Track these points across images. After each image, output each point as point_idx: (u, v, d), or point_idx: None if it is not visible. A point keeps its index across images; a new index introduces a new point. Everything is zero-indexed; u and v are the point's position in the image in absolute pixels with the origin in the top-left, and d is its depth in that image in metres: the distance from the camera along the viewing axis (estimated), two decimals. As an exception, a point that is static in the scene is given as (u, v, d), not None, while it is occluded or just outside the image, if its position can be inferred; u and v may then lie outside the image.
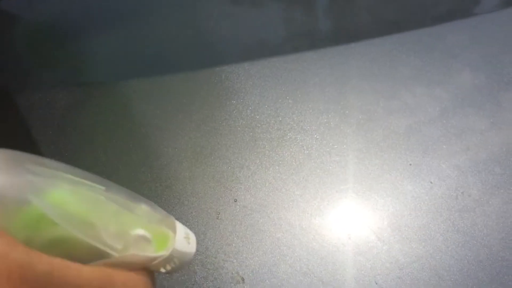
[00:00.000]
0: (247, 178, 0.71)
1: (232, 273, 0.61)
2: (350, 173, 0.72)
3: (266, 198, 0.69)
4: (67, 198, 0.28)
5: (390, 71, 0.82)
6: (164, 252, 0.30)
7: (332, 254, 0.63)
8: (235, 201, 0.68)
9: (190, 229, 0.34)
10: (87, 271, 0.26)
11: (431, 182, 0.68)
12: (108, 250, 0.28)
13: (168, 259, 0.31)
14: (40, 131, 0.75)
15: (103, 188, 0.30)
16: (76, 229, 0.27)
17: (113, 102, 0.79)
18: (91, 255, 0.28)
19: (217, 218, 0.66)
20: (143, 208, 0.31)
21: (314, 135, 0.76)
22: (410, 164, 0.70)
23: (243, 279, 0.61)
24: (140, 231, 0.29)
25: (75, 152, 0.73)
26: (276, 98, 0.79)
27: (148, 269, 0.31)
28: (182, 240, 0.32)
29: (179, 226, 0.32)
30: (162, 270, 0.31)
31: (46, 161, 0.29)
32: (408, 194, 0.67)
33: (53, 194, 0.27)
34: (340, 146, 0.74)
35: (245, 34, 0.87)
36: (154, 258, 0.30)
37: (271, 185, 0.70)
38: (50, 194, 0.27)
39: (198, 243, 0.58)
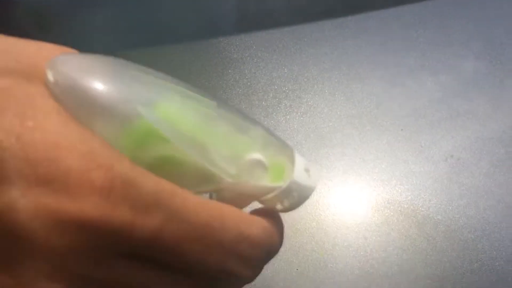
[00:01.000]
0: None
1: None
2: (344, 140, 0.70)
3: None
4: (179, 112, 0.24)
5: (388, 44, 0.81)
6: (281, 183, 0.26)
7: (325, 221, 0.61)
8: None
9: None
10: (194, 201, 0.22)
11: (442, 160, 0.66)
12: (221, 174, 0.24)
13: (286, 192, 0.26)
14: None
15: (215, 103, 0.26)
16: (188, 148, 0.23)
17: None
18: (201, 179, 0.24)
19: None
20: (259, 131, 0.26)
21: (309, 102, 0.74)
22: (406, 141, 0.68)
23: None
24: (256, 155, 0.25)
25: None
26: (272, 68, 0.79)
27: (265, 209, 0.27)
28: (302, 171, 0.27)
29: (299, 156, 0.28)
30: (279, 206, 0.27)
31: (152, 70, 0.26)
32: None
33: (163, 107, 0.24)
34: (334, 113, 0.73)
35: (242, 6, 0.88)
36: (271, 189, 0.26)
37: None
38: (160, 106, 0.24)
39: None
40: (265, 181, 0.25)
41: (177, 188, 0.22)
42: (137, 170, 0.21)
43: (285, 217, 0.29)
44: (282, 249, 0.28)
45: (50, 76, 0.22)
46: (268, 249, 0.26)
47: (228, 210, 0.24)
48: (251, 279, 0.25)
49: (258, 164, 0.25)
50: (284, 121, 0.73)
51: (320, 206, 0.64)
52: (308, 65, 0.79)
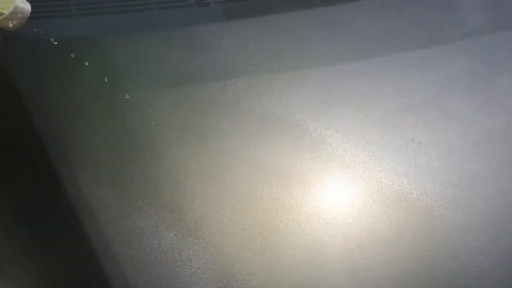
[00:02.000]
0: (216, 124, 0.70)
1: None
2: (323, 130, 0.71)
3: (235, 141, 0.68)
4: None
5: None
6: (9, 10, 0.43)
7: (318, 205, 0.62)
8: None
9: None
10: None
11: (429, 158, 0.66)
12: None
13: (13, 14, 0.44)
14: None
15: None
16: None
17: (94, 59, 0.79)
18: None
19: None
20: None
21: (276, 89, 0.76)
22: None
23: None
24: None
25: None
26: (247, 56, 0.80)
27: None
28: (21, 1, 0.46)
29: None
30: (10, 24, 0.45)
31: None
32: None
33: None
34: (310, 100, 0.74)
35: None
36: (2, 13, 0.43)
37: (241, 129, 0.69)
38: None
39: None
40: None
41: None
42: None
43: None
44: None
45: None
46: None
47: None
48: None
49: None
50: (258, 106, 0.74)
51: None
52: (290, 57, 0.80)
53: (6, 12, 0.45)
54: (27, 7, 0.45)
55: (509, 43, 0.83)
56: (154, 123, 0.72)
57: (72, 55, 0.79)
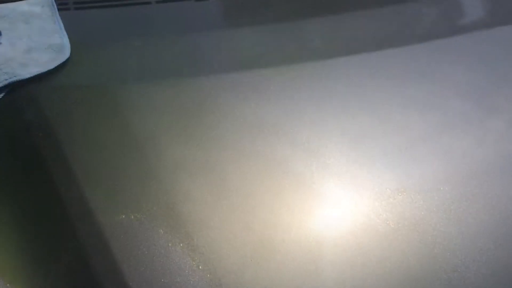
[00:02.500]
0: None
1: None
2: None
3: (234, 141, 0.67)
4: None
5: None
6: None
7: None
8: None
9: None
10: None
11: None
12: None
13: None
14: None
15: None
16: None
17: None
18: None
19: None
20: None
21: (274, 87, 0.75)
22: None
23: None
24: None
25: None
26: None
27: None
28: None
29: None
30: None
31: None
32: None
33: None
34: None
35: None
36: None
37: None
38: None
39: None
40: None
41: None
42: None
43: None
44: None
45: None
46: None
47: None
48: None
49: None
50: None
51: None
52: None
53: None
54: None
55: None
56: (149, 120, 0.72)
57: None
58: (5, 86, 0.65)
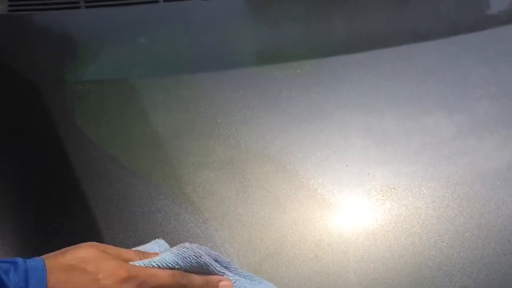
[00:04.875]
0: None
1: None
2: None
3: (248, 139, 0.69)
4: None
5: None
6: None
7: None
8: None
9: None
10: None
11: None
12: None
13: None
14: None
15: None
16: None
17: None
18: None
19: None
20: None
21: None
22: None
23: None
24: None
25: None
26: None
27: None
28: None
29: None
30: None
31: None
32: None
33: None
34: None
35: None
36: None
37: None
38: None
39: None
40: None
41: None
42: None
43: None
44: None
45: None
46: None
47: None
48: None
49: None
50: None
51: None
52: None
53: None
54: None
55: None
56: (166, 117, 0.74)
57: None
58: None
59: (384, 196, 0.63)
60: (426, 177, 0.65)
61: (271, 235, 0.60)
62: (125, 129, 0.73)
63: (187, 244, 0.48)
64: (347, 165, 0.66)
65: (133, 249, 0.50)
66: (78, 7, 0.86)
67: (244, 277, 0.50)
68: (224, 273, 0.49)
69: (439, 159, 0.69)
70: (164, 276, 0.45)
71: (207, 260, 0.48)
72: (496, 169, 0.67)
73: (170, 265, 0.46)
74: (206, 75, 0.79)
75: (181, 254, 0.47)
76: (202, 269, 0.48)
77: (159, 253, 0.49)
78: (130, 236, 0.60)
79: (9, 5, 0.86)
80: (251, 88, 0.77)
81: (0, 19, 0.85)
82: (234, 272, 0.50)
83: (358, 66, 0.81)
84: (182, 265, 0.46)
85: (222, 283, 0.48)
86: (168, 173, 0.67)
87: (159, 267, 0.46)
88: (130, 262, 0.45)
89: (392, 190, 0.64)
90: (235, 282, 0.49)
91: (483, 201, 0.63)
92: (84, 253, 0.43)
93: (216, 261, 0.49)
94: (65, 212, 0.64)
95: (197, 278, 0.47)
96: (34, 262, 0.41)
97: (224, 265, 0.50)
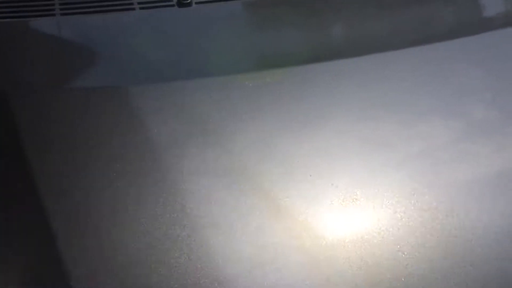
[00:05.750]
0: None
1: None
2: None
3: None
4: None
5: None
6: None
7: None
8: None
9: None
10: None
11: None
12: None
13: None
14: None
15: None
16: None
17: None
18: None
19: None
20: None
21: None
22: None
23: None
24: None
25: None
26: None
27: None
28: None
29: None
30: None
31: None
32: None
33: None
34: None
35: None
36: None
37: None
38: None
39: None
40: None
41: None
42: None
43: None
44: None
45: None
46: None
47: None
48: None
49: None
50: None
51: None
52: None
53: None
54: None
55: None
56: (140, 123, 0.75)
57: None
58: None
59: (346, 207, 0.63)
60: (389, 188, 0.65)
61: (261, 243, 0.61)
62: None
63: None
64: (310, 175, 0.66)
65: None
66: (54, 15, 0.87)
67: None
68: None
69: (410, 170, 0.69)
70: None
71: None
72: (460, 180, 0.67)
73: None
74: (183, 83, 0.80)
75: None
76: None
77: None
78: (127, 244, 0.60)
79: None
80: (234, 96, 0.78)
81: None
82: None
83: (347, 71, 0.82)
84: None
85: None
86: (161, 180, 0.67)
87: None
88: None
89: (355, 200, 0.64)
90: None
91: (445, 212, 0.63)
92: None
93: None
94: (56, 218, 0.63)
95: None
96: None
97: None
